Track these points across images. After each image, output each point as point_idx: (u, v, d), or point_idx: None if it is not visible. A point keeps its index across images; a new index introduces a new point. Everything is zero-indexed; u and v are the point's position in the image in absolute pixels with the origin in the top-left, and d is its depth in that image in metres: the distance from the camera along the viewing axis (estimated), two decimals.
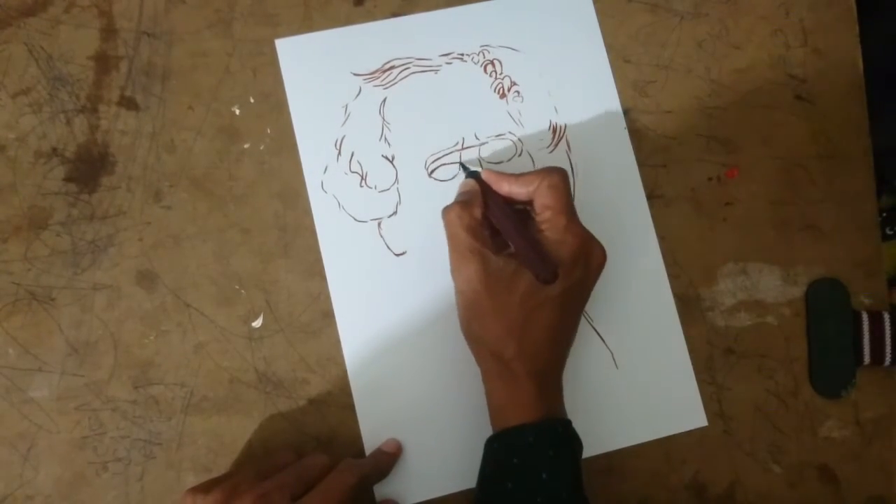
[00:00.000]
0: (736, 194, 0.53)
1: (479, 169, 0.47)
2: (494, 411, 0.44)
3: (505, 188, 0.45)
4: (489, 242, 0.43)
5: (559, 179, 0.44)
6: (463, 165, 0.49)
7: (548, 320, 0.42)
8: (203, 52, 0.51)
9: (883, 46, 0.66)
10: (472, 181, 0.46)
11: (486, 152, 0.51)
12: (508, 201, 0.46)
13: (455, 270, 0.44)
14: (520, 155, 0.51)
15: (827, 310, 0.52)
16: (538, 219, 0.44)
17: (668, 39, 0.54)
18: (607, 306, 0.50)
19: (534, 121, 0.52)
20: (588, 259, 0.44)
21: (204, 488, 0.40)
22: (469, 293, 0.43)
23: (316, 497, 0.40)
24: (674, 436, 0.49)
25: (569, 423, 0.43)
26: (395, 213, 0.50)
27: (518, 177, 0.45)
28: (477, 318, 0.43)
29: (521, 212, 0.46)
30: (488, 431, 0.45)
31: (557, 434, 0.42)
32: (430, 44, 0.52)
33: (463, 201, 0.45)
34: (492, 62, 0.52)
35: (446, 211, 0.45)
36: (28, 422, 0.46)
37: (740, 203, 0.53)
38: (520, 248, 0.43)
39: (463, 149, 0.51)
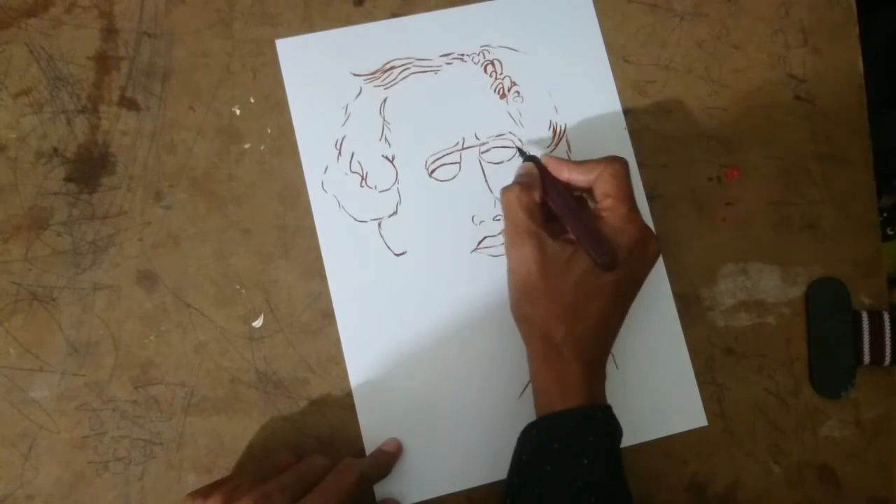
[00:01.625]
0: (736, 194, 0.53)
1: (536, 154, 0.47)
2: (539, 394, 0.44)
3: (565, 174, 0.46)
4: (545, 226, 0.44)
5: (622, 168, 0.44)
6: (520, 150, 0.50)
7: (600, 307, 0.43)
8: (203, 53, 0.51)
9: (883, 47, 0.66)
10: (530, 165, 0.47)
11: (485, 153, 0.51)
12: (567, 188, 0.46)
13: (510, 250, 0.44)
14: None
15: (827, 310, 0.52)
16: (598, 206, 0.45)
17: (668, 39, 0.54)
18: None
19: (534, 121, 0.52)
20: (644, 251, 0.44)
21: (204, 492, 0.40)
22: (523, 274, 0.43)
23: (316, 497, 0.40)
24: (674, 436, 0.49)
25: (609, 409, 0.43)
26: (395, 213, 0.50)
27: (579, 164, 0.46)
28: (529, 299, 0.43)
29: (578, 199, 0.47)
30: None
31: (598, 420, 0.42)
32: (430, 44, 0.52)
33: (523, 182, 0.45)
34: (492, 62, 0.52)
35: (505, 191, 0.45)
36: (28, 422, 0.46)
37: (740, 203, 0.53)
38: (579, 233, 0.43)
39: (463, 149, 0.51)
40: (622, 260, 0.43)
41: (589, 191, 0.46)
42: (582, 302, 0.42)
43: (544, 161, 0.47)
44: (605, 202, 0.44)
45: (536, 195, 0.45)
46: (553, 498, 0.40)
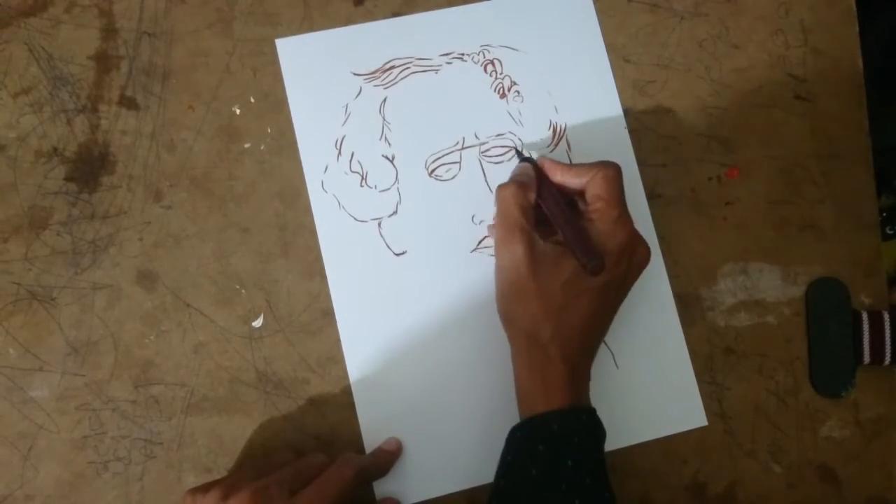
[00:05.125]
0: (736, 194, 0.53)
1: (533, 155, 0.47)
2: (523, 395, 0.44)
3: (558, 177, 0.46)
4: (536, 228, 0.44)
5: (615, 173, 0.44)
6: (517, 151, 0.50)
7: (587, 309, 0.43)
8: (203, 52, 0.51)
9: (883, 46, 0.66)
10: (527, 166, 0.47)
11: (485, 152, 0.51)
12: (559, 190, 0.46)
13: (501, 247, 0.44)
14: None
15: (827, 309, 0.52)
16: (589, 209, 0.45)
17: (668, 39, 0.54)
18: None
19: (534, 120, 0.52)
20: (633, 255, 0.44)
21: (203, 488, 0.40)
22: (512, 272, 0.43)
23: (314, 490, 0.40)
24: (674, 436, 0.49)
25: (593, 411, 0.43)
26: (395, 212, 0.50)
27: (572, 167, 0.46)
28: (517, 297, 0.43)
29: (570, 202, 0.47)
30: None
31: (582, 422, 0.42)
32: (430, 43, 0.52)
33: (520, 182, 0.45)
34: (492, 62, 0.52)
35: (501, 188, 0.45)
36: (28, 422, 0.46)
37: (740, 203, 0.53)
38: (569, 236, 0.43)
39: (463, 148, 0.51)
40: (610, 263, 0.43)
41: (581, 194, 0.46)
42: (570, 303, 0.42)
43: (539, 162, 0.47)
44: (596, 204, 0.44)
45: (532, 195, 0.45)
46: (539, 500, 0.40)
